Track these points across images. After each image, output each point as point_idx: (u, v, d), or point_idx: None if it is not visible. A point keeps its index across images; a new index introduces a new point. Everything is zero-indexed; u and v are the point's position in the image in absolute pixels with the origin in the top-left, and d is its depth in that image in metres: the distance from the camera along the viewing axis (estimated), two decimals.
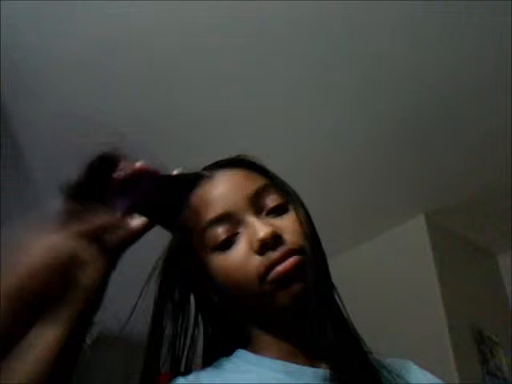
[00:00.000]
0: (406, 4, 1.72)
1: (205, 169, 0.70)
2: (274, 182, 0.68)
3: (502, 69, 1.93)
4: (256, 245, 0.60)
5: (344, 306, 0.64)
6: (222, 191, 0.64)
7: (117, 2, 1.72)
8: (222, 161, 0.71)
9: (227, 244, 0.62)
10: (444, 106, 2.11)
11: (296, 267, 0.59)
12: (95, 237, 0.51)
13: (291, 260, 0.59)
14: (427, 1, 1.70)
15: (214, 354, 0.66)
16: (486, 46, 1.85)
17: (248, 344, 0.67)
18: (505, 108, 2.09)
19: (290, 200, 0.66)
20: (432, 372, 0.71)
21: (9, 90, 1.99)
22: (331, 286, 0.64)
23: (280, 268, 0.59)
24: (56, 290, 0.47)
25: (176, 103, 2.08)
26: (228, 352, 0.65)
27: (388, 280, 2.59)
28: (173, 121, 2.15)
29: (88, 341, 2.75)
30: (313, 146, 2.30)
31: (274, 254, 0.59)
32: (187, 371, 0.65)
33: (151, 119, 2.13)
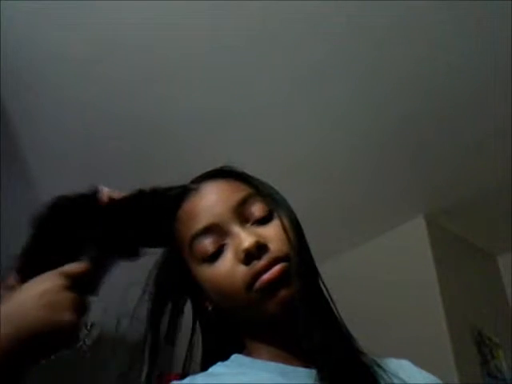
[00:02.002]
0: (406, 7, 1.72)
1: (191, 182, 0.71)
2: (259, 191, 0.68)
3: (501, 69, 1.93)
4: (241, 255, 0.61)
5: (336, 307, 0.65)
6: (207, 203, 0.65)
7: (117, 3, 1.72)
8: (206, 173, 0.72)
9: (214, 255, 0.63)
10: (443, 107, 2.11)
11: (282, 274, 0.60)
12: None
13: (276, 268, 0.60)
14: (427, 2, 1.70)
15: (212, 360, 0.67)
16: (485, 47, 1.85)
17: (243, 349, 0.68)
18: (504, 109, 2.08)
19: (275, 208, 0.67)
20: (432, 373, 0.71)
21: (9, 89, 1.99)
22: (320, 290, 0.65)
23: (265, 276, 0.59)
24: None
25: (175, 103, 2.08)
26: (225, 357, 0.66)
27: (388, 280, 2.59)
28: (172, 121, 2.15)
29: (88, 341, 2.75)
30: (312, 148, 2.30)
31: (259, 263, 0.60)
32: (185, 377, 0.65)
33: (150, 119, 2.13)
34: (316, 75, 1.98)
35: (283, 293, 0.59)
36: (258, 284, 0.60)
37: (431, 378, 0.70)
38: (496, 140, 2.24)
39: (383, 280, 2.60)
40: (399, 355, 0.72)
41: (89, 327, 2.76)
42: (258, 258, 0.60)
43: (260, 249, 0.60)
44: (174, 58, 1.91)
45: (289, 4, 1.72)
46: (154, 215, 0.66)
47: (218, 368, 0.64)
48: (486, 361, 2.43)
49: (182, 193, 0.68)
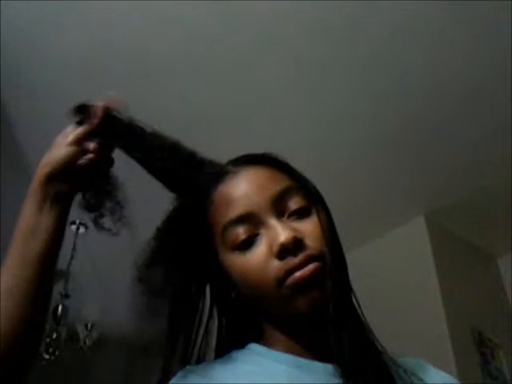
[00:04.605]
0: (406, 7, 1.72)
1: (230, 162, 0.69)
2: (298, 184, 0.67)
3: (503, 68, 1.93)
4: (276, 249, 0.59)
5: (361, 310, 0.64)
6: (245, 190, 0.63)
7: (116, 4, 1.72)
8: (247, 156, 0.70)
9: (247, 244, 0.61)
10: (444, 108, 2.11)
11: (315, 274, 0.58)
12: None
13: (310, 267, 0.58)
14: (427, 3, 1.70)
15: (227, 347, 0.66)
16: (486, 46, 1.86)
17: (260, 338, 0.67)
18: (505, 109, 2.09)
19: (313, 204, 0.65)
20: None
21: (9, 90, 1.99)
22: (350, 293, 0.64)
23: (299, 274, 0.58)
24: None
25: (175, 101, 2.08)
26: (240, 345, 0.66)
27: (388, 281, 2.59)
28: (172, 119, 2.14)
29: (88, 342, 2.75)
30: (312, 147, 2.30)
31: (293, 260, 0.58)
32: (199, 363, 0.65)
33: (150, 118, 2.13)
34: (316, 74, 1.98)
35: (315, 293, 0.58)
36: (289, 280, 0.58)
37: (448, 377, 0.70)
38: (496, 141, 2.24)
39: (383, 280, 2.60)
40: (399, 356, 0.72)
41: (89, 328, 2.76)
42: (293, 253, 0.59)
43: (296, 245, 0.59)
44: (172, 56, 1.92)
45: (289, 2, 1.72)
46: (185, 184, 0.66)
47: (234, 355, 0.64)
48: (486, 362, 2.43)
49: (220, 173, 0.66)
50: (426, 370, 0.68)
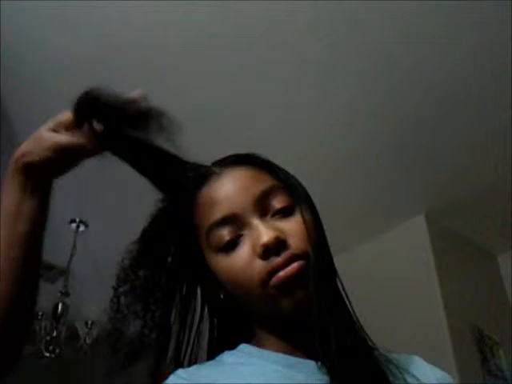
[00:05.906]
0: (406, 7, 1.72)
1: (214, 164, 0.69)
2: (283, 183, 0.67)
3: (503, 68, 1.93)
4: (259, 249, 0.59)
5: (352, 307, 0.64)
6: (229, 191, 0.64)
7: (117, 4, 1.72)
8: (231, 157, 0.70)
9: (231, 246, 0.62)
10: (444, 107, 2.11)
11: (298, 273, 0.58)
12: None
13: (294, 265, 0.58)
14: (427, 3, 1.70)
15: (219, 348, 0.66)
16: (487, 45, 1.85)
17: (252, 338, 0.67)
18: (505, 108, 2.08)
19: (297, 202, 0.65)
20: None
21: (9, 90, 1.99)
22: (336, 291, 0.63)
23: (282, 273, 0.58)
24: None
25: (175, 101, 2.07)
26: (232, 346, 0.66)
27: (388, 280, 2.59)
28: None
29: (88, 340, 2.76)
30: (313, 147, 2.30)
31: (276, 259, 0.59)
32: (191, 365, 0.65)
33: None
34: (317, 75, 1.98)
35: (299, 293, 0.58)
36: (273, 280, 0.58)
37: (442, 373, 0.69)
38: (496, 139, 2.24)
39: (383, 279, 2.60)
40: (393, 352, 0.72)
41: (89, 326, 2.76)
42: (277, 253, 0.59)
43: (279, 244, 0.59)
44: (174, 57, 1.91)
45: (289, 3, 1.71)
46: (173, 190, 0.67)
47: (225, 356, 0.64)
48: (486, 359, 2.43)
49: (204, 175, 0.66)
50: (419, 366, 0.68)
